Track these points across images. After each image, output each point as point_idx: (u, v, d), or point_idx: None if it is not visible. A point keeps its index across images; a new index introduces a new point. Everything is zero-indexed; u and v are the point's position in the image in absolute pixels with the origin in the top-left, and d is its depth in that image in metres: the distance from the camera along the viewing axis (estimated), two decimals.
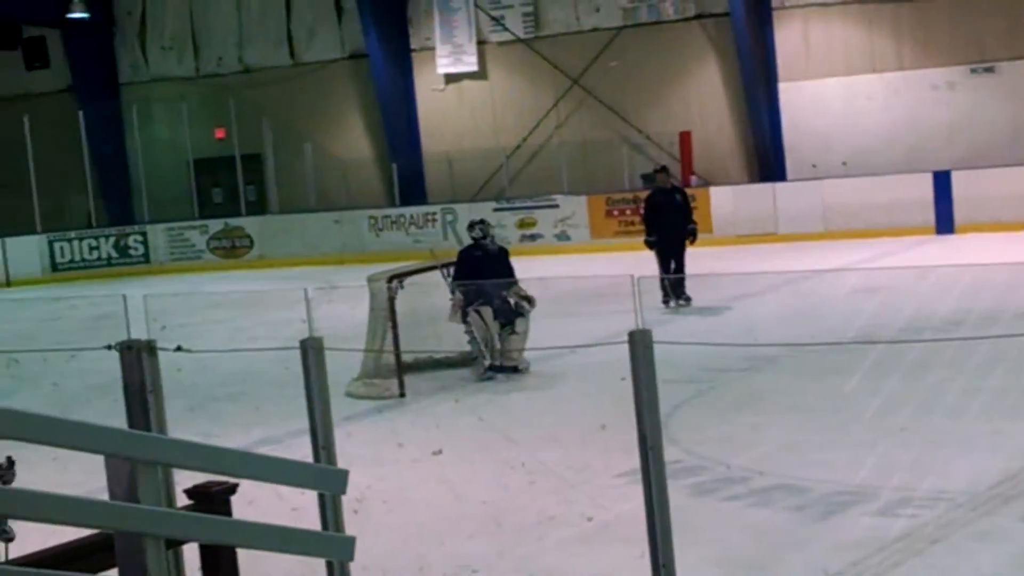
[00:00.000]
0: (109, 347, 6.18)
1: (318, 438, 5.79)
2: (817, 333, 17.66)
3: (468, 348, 17.68)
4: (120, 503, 4.12)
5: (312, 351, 5.96)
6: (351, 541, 4.82)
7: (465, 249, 18.34)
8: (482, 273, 17.49)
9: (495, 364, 17.31)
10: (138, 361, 5.98)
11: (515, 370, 17.31)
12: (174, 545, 5.73)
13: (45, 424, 4.00)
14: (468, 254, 18.07)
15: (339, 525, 5.69)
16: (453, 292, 17.50)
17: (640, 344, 5.36)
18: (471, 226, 18.43)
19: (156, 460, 4.33)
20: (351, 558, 4.90)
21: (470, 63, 36.56)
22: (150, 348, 6.02)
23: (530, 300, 17.57)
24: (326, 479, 5.05)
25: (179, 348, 7.11)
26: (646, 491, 5.45)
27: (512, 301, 17.50)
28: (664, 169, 23.13)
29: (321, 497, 5.75)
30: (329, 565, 5.82)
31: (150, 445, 4.43)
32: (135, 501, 4.11)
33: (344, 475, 4.77)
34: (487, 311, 17.36)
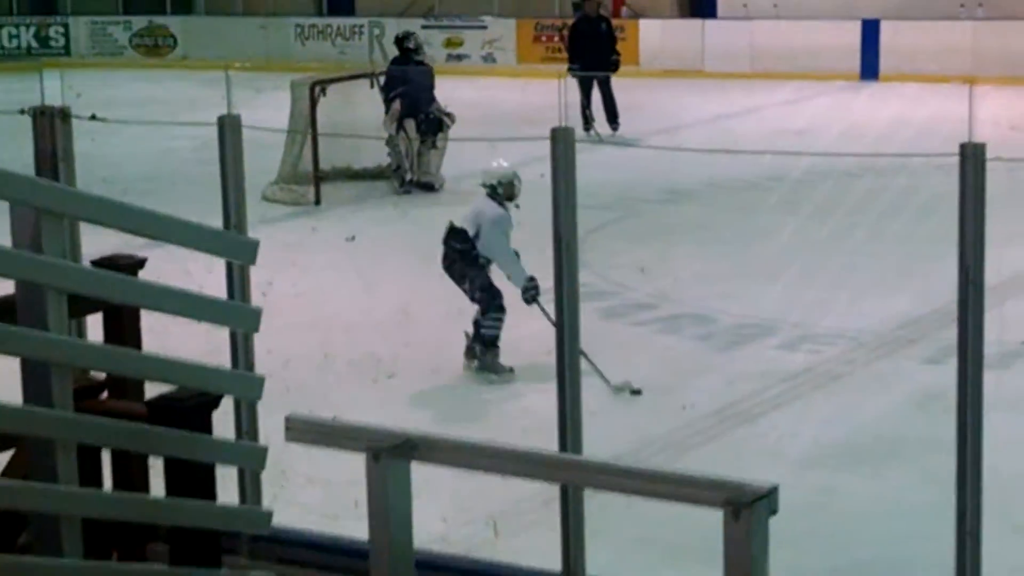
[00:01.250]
0: (22, 111, 6.07)
1: (230, 217, 5.74)
2: (734, 168, 17.60)
3: (387, 161, 17.62)
4: (23, 252, 4.06)
5: (229, 128, 5.88)
6: (257, 312, 4.79)
7: (397, 59, 18.22)
8: (412, 85, 17.39)
9: (413, 179, 17.30)
10: (51, 127, 5.88)
11: (431, 188, 17.31)
12: (78, 314, 5.69)
13: None
14: (401, 64, 17.94)
15: (246, 299, 5.66)
16: (390, 101, 17.33)
17: (562, 141, 5.33)
18: (406, 36, 18.26)
19: (63, 212, 4.26)
20: (256, 329, 4.86)
21: None
22: (64, 115, 5.92)
23: (451, 116, 17.50)
24: (237, 247, 4.98)
25: (93, 117, 7.00)
26: (556, 289, 5.44)
27: (433, 116, 17.44)
28: None
29: (229, 273, 5.71)
30: (233, 344, 5.80)
31: (58, 195, 4.35)
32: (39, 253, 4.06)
33: (255, 245, 4.72)
34: (410, 124, 17.30)
